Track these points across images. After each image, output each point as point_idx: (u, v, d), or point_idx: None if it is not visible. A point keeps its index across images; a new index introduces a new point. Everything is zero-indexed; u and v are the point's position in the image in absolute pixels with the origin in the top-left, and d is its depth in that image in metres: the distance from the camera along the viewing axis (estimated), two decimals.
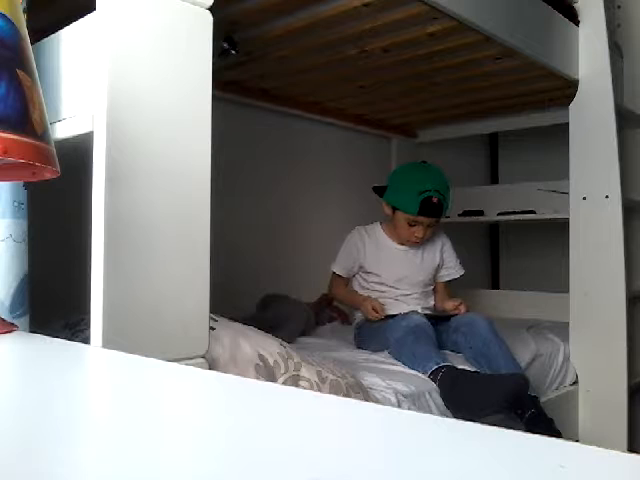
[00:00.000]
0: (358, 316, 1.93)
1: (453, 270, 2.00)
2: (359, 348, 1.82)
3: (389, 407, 0.48)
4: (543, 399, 1.76)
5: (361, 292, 1.93)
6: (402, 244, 1.93)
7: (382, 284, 1.91)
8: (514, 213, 2.58)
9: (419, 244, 1.89)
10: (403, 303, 1.87)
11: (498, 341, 1.62)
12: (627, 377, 1.84)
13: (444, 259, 1.98)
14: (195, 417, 0.42)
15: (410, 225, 1.83)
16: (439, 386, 1.44)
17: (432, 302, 1.96)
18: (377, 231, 1.96)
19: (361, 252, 1.92)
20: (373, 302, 1.80)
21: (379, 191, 1.94)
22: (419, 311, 1.79)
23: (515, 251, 3.13)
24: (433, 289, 2.00)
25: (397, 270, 1.91)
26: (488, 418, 1.36)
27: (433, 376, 1.46)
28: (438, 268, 1.98)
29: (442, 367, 1.47)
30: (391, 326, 1.66)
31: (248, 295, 2.07)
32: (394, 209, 1.87)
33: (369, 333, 1.82)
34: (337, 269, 1.96)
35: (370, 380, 1.35)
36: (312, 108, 2.40)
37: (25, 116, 0.66)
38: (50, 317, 1.20)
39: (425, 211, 1.78)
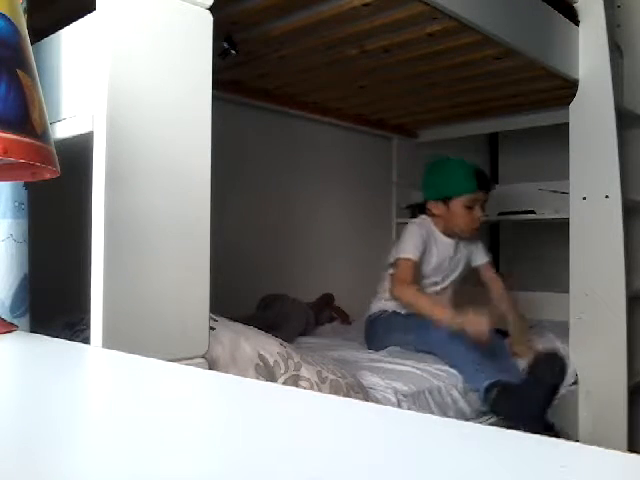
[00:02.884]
0: (373, 309, 1.88)
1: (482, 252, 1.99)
2: (370, 343, 1.79)
3: (389, 407, 0.48)
4: None
5: None
6: (452, 237, 1.90)
7: (429, 277, 1.89)
8: (514, 213, 2.58)
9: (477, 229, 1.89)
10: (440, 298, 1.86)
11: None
12: (627, 377, 1.84)
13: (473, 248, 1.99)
14: (195, 417, 0.42)
15: (468, 209, 1.83)
16: (494, 403, 1.45)
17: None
18: (430, 225, 1.91)
19: (424, 242, 1.87)
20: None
21: (418, 206, 1.98)
22: None
23: (515, 251, 3.13)
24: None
25: (445, 264, 1.90)
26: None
27: (487, 392, 1.46)
28: (468, 257, 1.97)
29: (495, 383, 1.46)
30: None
31: (248, 295, 2.07)
32: (447, 203, 1.85)
33: (389, 326, 1.77)
34: (413, 255, 1.81)
35: (370, 380, 1.35)
36: (312, 108, 2.40)
37: (25, 116, 0.66)
38: (50, 317, 1.20)
39: (482, 184, 1.83)
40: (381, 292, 1.90)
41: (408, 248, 1.82)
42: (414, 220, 1.94)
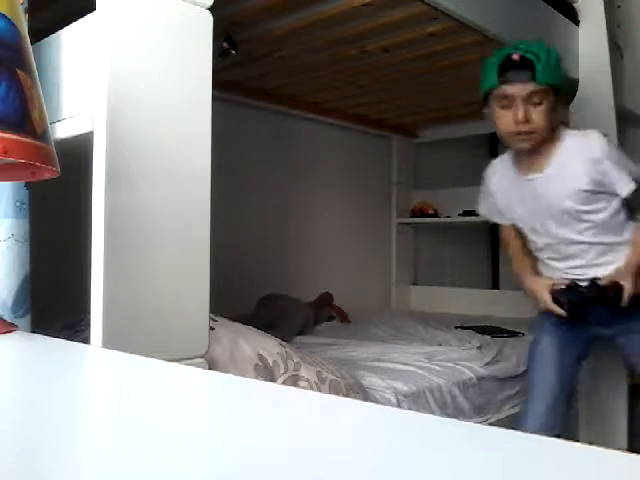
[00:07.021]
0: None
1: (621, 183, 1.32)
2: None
3: (389, 407, 0.48)
4: None
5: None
6: (529, 172, 1.37)
7: (535, 242, 1.45)
8: None
9: (533, 136, 1.30)
10: (553, 269, 1.42)
11: None
12: (627, 377, 1.84)
13: (602, 174, 1.31)
14: (195, 417, 0.42)
15: (504, 109, 1.29)
16: None
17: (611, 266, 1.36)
18: (507, 160, 1.44)
19: (492, 191, 1.47)
20: (541, 283, 1.38)
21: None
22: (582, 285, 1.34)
23: None
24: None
25: (529, 214, 1.41)
26: None
27: None
28: (593, 192, 1.32)
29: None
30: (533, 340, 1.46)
31: (248, 295, 2.07)
32: (486, 106, 1.36)
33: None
34: (480, 208, 1.53)
35: (370, 380, 1.35)
36: (312, 108, 2.41)
37: (25, 116, 0.66)
38: (50, 317, 1.20)
39: (506, 76, 1.27)
40: None
41: (480, 200, 1.53)
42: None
